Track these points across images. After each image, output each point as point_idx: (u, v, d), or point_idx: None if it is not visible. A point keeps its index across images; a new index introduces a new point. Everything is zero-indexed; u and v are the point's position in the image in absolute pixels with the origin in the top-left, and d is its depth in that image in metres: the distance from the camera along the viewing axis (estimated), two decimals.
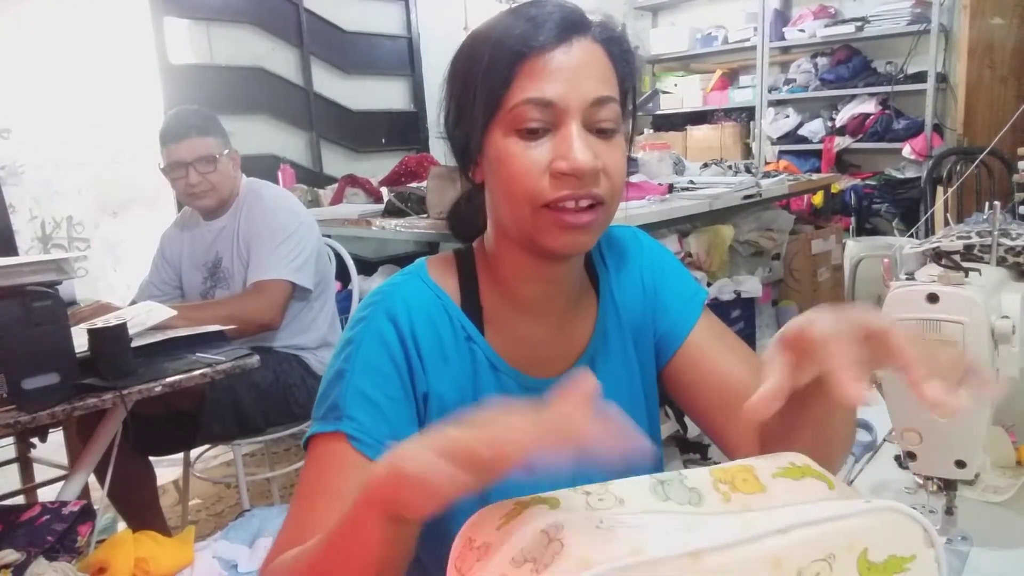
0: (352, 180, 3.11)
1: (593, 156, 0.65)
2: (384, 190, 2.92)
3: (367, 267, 3.01)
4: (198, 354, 1.47)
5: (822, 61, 4.58)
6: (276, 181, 2.91)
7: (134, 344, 1.40)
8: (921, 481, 0.73)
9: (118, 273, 3.23)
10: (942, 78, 4.09)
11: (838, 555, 0.37)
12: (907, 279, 0.65)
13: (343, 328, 2.33)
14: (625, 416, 0.40)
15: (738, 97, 4.95)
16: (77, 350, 1.28)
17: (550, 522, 0.38)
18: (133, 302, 1.93)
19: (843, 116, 4.46)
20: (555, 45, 0.65)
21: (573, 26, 0.66)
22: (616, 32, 0.71)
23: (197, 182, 1.88)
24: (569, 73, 0.65)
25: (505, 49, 0.66)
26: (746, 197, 2.59)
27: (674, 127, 5.19)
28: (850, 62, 4.42)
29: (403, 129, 4.06)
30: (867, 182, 4.36)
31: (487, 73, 0.67)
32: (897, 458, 0.81)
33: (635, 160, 2.72)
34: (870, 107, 4.35)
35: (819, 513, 0.37)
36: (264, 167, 3.00)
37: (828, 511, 0.37)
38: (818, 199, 3.84)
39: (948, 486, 0.66)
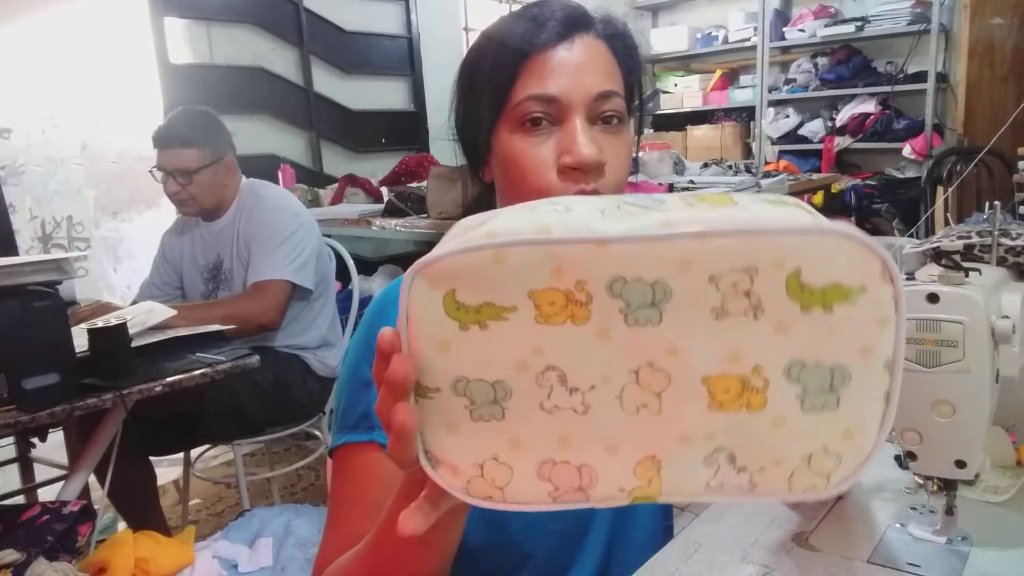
0: (352, 180, 3.12)
1: (598, 150, 0.65)
2: (384, 190, 2.92)
3: (367, 267, 3.01)
4: (198, 354, 1.47)
5: (822, 61, 4.57)
6: (276, 181, 2.91)
7: (134, 344, 1.40)
8: (921, 481, 0.73)
9: (118, 273, 3.23)
10: (942, 78, 4.09)
11: (762, 269, 0.34)
12: (907, 279, 0.65)
13: (343, 328, 2.33)
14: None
15: (738, 97, 4.94)
16: (77, 350, 1.28)
17: (491, 214, 0.38)
18: (134, 302, 1.93)
19: (843, 116, 4.45)
20: (557, 42, 0.66)
21: (575, 23, 0.67)
22: (619, 28, 0.71)
23: (175, 191, 1.89)
24: (572, 69, 0.65)
25: (509, 48, 0.66)
26: None
27: (674, 127, 5.19)
28: (850, 62, 4.42)
29: (403, 129, 4.06)
30: (867, 182, 4.35)
31: (492, 72, 0.67)
32: (897, 458, 0.81)
33: (635, 160, 2.72)
34: (870, 107, 4.35)
35: (750, 224, 0.34)
36: (264, 167, 3.00)
37: (763, 224, 0.34)
38: (818, 199, 3.84)
39: (948, 486, 0.66)
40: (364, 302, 2.23)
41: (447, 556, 0.52)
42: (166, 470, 2.38)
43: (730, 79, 5.09)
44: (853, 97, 4.46)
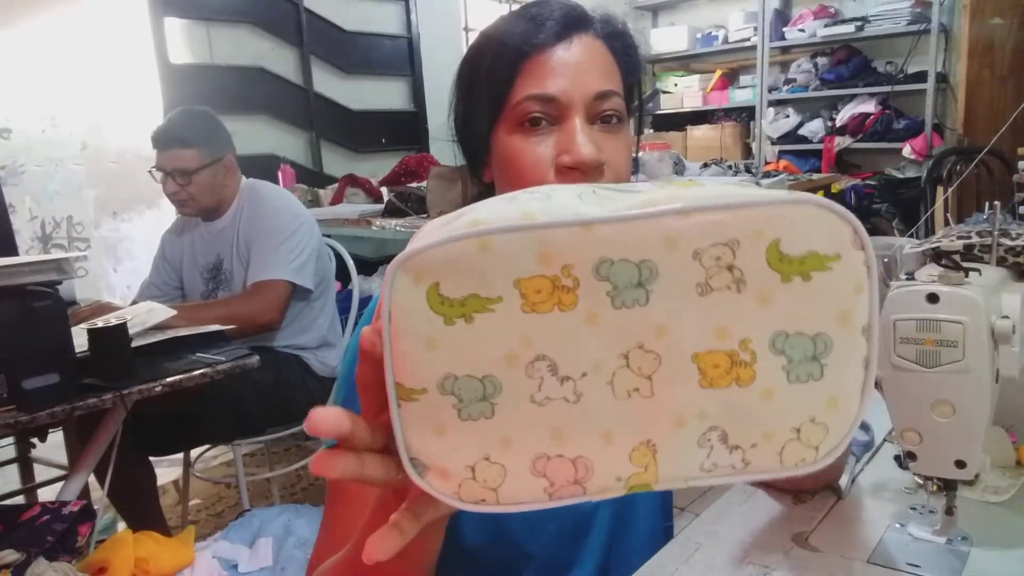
0: (352, 180, 3.12)
1: (597, 149, 0.65)
2: (384, 190, 2.93)
3: (367, 267, 3.01)
4: (198, 354, 1.47)
5: (822, 61, 4.58)
6: (276, 181, 2.91)
7: (134, 344, 1.40)
8: (921, 481, 0.73)
9: (118, 273, 3.24)
10: (942, 78, 4.09)
11: (743, 241, 0.35)
12: (907, 279, 0.65)
13: (343, 328, 2.32)
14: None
15: (738, 97, 4.95)
16: (77, 350, 1.28)
17: (469, 208, 0.38)
18: (134, 302, 1.93)
19: (843, 116, 4.45)
20: (556, 42, 0.66)
21: (574, 23, 0.67)
22: (618, 27, 0.71)
23: (174, 191, 1.90)
24: (571, 69, 0.65)
25: (507, 48, 0.66)
26: None
27: (674, 127, 5.19)
28: (850, 62, 4.42)
29: (403, 129, 4.06)
30: (867, 182, 4.35)
31: (491, 73, 0.67)
32: (897, 458, 0.81)
33: (635, 160, 2.72)
34: (870, 107, 4.35)
35: (727, 199, 0.35)
36: (264, 167, 3.00)
37: (739, 198, 0.35)
38: None
39: (948, 486, 0.66)
40: (364, 302, 2.23)
41: (430, 563, 0.50)
42: (166, 470, 2.38)
43: (730, 79, 5.09)
44: (853, 97, 4.46)
